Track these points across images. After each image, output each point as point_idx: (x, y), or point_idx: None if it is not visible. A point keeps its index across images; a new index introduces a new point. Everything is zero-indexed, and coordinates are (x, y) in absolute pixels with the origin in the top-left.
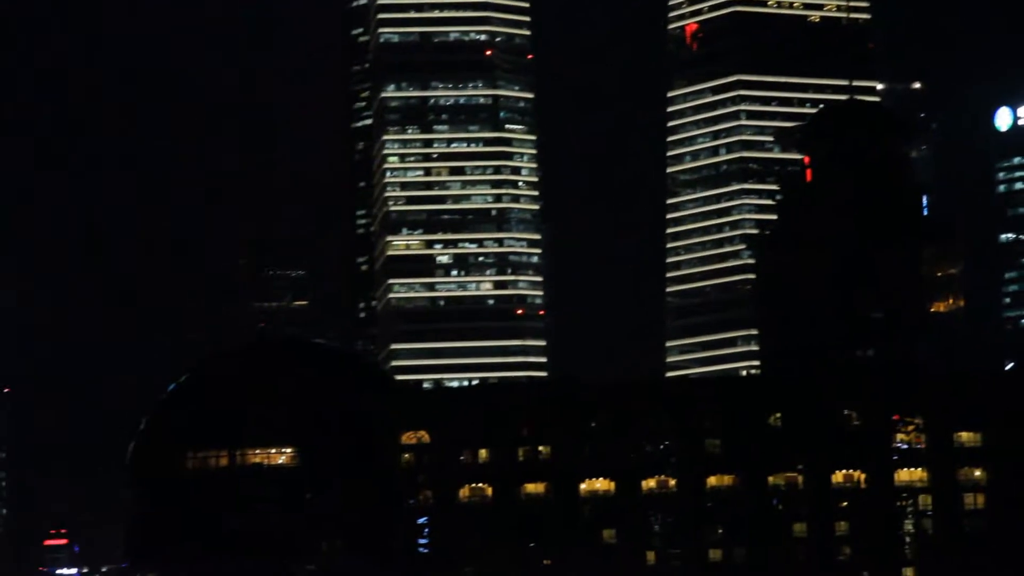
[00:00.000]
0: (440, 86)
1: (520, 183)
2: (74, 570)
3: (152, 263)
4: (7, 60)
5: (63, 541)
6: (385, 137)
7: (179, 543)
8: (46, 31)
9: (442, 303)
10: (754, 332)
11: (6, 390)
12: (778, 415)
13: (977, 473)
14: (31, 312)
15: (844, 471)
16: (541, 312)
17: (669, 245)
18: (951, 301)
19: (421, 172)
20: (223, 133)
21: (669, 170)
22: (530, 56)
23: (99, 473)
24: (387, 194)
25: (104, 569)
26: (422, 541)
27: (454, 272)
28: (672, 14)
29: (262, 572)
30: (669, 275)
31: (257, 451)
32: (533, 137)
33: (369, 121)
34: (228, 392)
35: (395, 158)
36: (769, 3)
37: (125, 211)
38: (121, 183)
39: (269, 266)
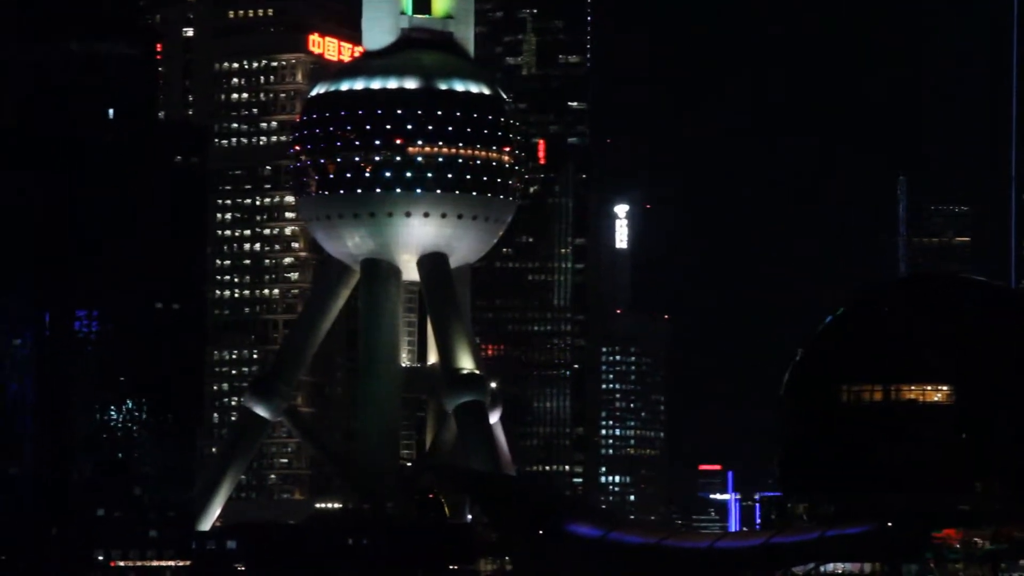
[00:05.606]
0: None
1: None
2: (728, 496)
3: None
4: None
5: (718, 467)
6: None
7: (831, 475)
8: None
9: None
10: None
11: (665, 317)
12: None
13: None
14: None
15: None
16: None
17: None
18: None
19: None
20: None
21: None
22: None
23: (756, 401)
24: None
25: (757, 497)
26: None
27: None
28: None
29: (914, 509)
30: None
31: (912, 387)
32: None
33: None
34: (884, 327)
35: None
36: None
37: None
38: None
39: (930, 201)
